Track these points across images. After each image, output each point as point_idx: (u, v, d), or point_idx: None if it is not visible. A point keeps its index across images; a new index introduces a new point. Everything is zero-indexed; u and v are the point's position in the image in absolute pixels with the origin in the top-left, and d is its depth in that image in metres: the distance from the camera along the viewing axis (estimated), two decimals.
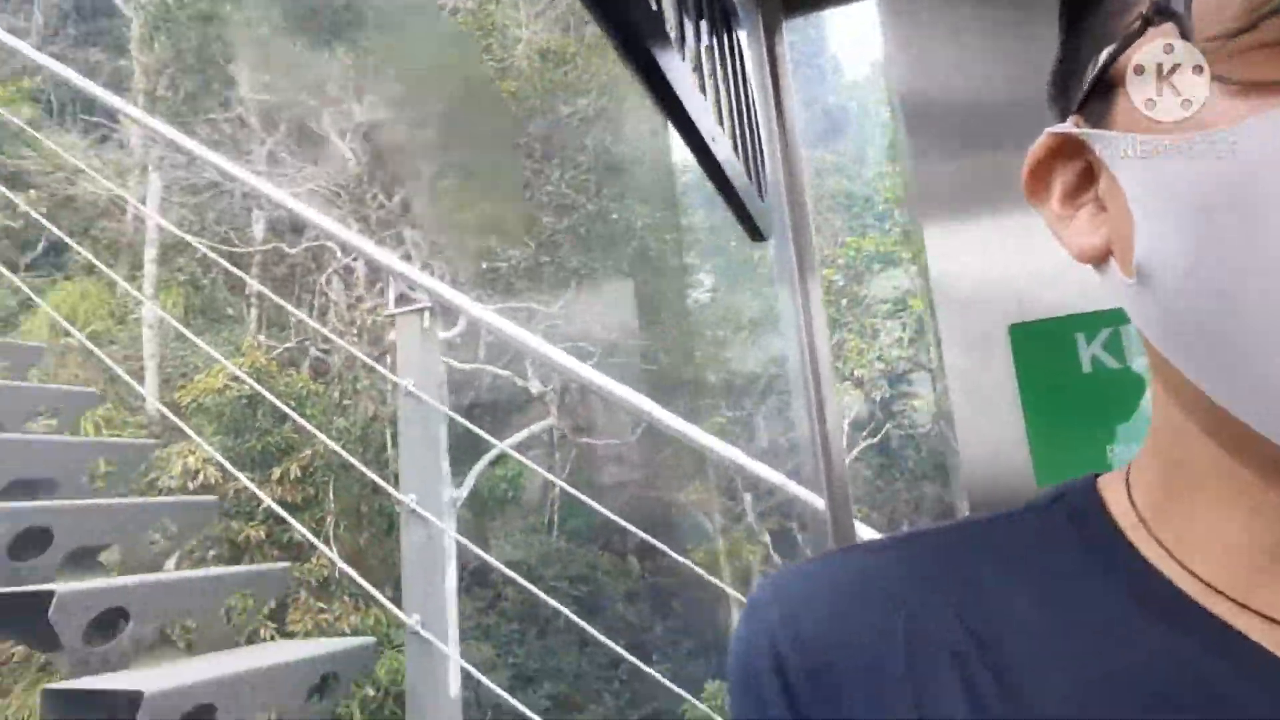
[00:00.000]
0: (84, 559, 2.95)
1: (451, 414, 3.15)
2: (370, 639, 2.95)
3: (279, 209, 7.52)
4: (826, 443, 1.16)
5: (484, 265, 7.41)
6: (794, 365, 1.17)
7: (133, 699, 2.21)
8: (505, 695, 3.81)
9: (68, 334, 8.50)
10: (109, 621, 2.62)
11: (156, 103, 9.16)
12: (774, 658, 0.47)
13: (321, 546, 5.54)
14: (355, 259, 7.86)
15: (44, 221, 6.80)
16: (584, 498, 4.74)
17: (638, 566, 10.43)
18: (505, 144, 7.99)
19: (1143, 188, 0.38)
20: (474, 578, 9.30)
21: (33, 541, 2.76)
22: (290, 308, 6.66)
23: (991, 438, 0.93)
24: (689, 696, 4.64)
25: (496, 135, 7.93)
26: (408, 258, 7.70)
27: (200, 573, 3.04)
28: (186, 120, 8.54)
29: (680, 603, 9.38)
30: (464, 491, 6.91)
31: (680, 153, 8.65)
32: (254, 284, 7.82)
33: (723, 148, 0.90)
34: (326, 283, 8.73)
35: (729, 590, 3.79)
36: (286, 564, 3.42)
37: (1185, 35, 0.35)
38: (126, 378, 5.37)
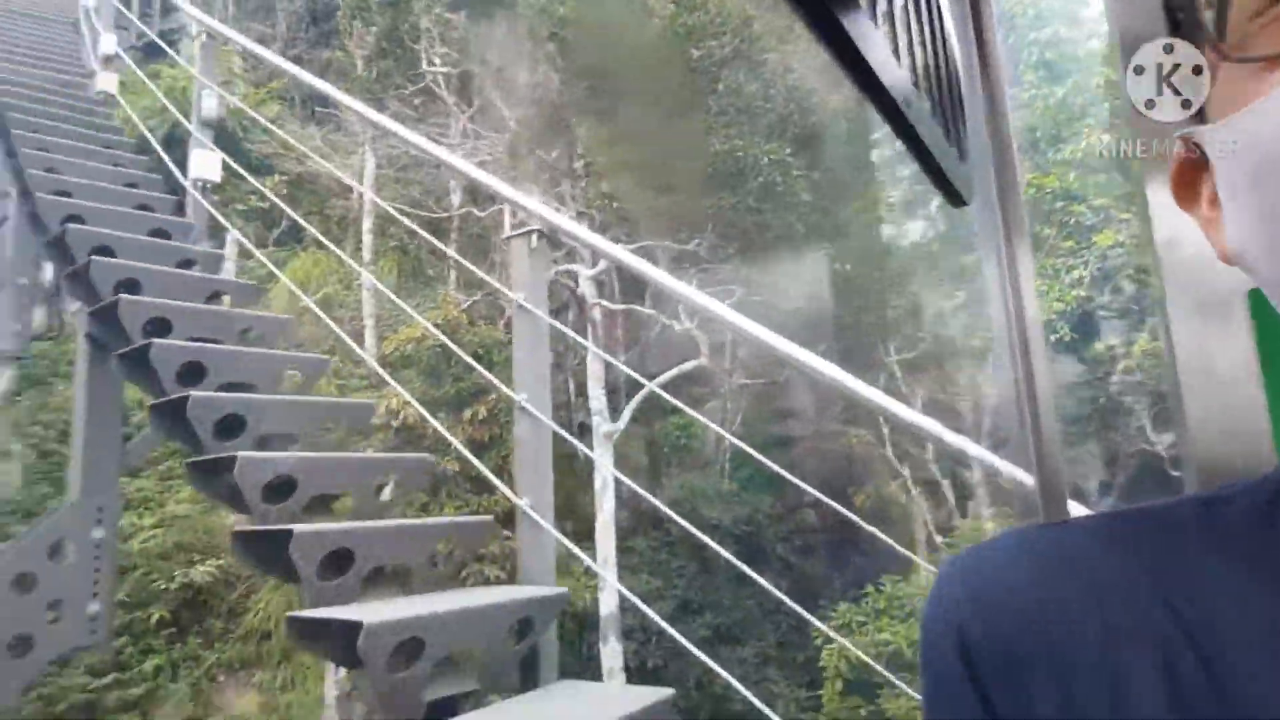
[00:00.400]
0: (272, 444, 3.64)
1: (555, 323, 3.53)
2: (564, 590, 3.38)
3: (468, 177, 8.27)
4: (1037, 419, 1.07)
5: (614, 205, 7.80)
6: (1000, 335, 1.11)
7: (283, 537, 2.78)
8: (658, 619, 4.05)
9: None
10: (285, 489, 3.25)
11: (355, 84, 10.31)
12: (959, 639, 0.46)
13: (498, 483, 6.15)
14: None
15: (281, 204, 7.99)
16: (745, 447, 4.95)
17: (813, 516, 10.55)
18: (645, 92, 8.34)
19: (1220, 174, 0.39)
20: (649, 520, 9.83)
21: (233, 427, 3.46)
22: (469, 265, 7.34)
23: (1225, 411, 0.85)
24: (811, 617, 4.74)
25: (638, 84, 8.29)
26: (575, 212, 8.22)
27: (355, 454, 3.64)
28: (381, 98, 9.61)
29: (852, 552, 9.39)
30: (620, 425, 7.37)
31: (806, 90, 8.58)
32: (441, 246, 8.65)
33: (919, 111, 0.85)
34: (507, 242, 9.47)
35: (889, 541, 3.81)
36: (430, 456, 3.98)
37: (1220, 28, 0.36)
38: (343, 335, 6.23)
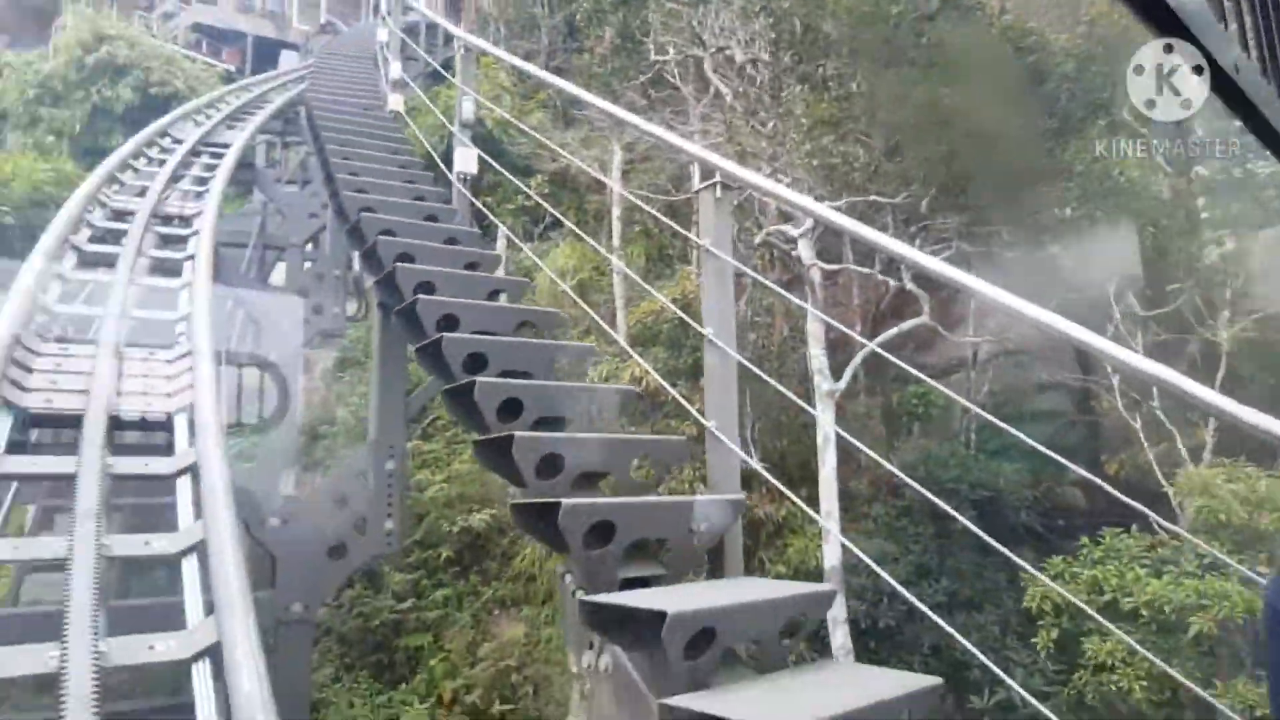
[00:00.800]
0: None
1: (746, 270, 3.89)
2: (741, 496, 3.71)
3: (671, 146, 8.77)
4: None
5: (814, 163, 7.85)
6: None
7: (508, 442, 3.39)
8: (889, 578, 4.12)
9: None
10: (515, 409, 3.88)
11: (594, 80, 11.20)
12: None
13: (694, 412, 6.57)
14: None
15: (541, 202, 9.07)
16: (987, 415, 4.96)
17: (1077, 494, 9.93)
18: (850, 52, 8.29)
19: None
20: (888, 489, 9.79)
21: (478, 364, 4.18)
22: (696, 240, 7.87)
23: None
24: (1024, 564, 4.57)
25: (843, 45, 8.28)
26: (790, 179, 8.39)
27: (567, 383, 4.23)
28: (616, 91, 10.40)
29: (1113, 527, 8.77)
30: (841, 385, 7.49)
31: (1022, 31, 7.94)
32: (679, 229, 9.23)
33: (1248, 74, 0.82)
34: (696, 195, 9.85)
35: (1129, 501, 3.51)
36: (631, 388, 4.50)
37: None
38: (595, 316, 7.02)
